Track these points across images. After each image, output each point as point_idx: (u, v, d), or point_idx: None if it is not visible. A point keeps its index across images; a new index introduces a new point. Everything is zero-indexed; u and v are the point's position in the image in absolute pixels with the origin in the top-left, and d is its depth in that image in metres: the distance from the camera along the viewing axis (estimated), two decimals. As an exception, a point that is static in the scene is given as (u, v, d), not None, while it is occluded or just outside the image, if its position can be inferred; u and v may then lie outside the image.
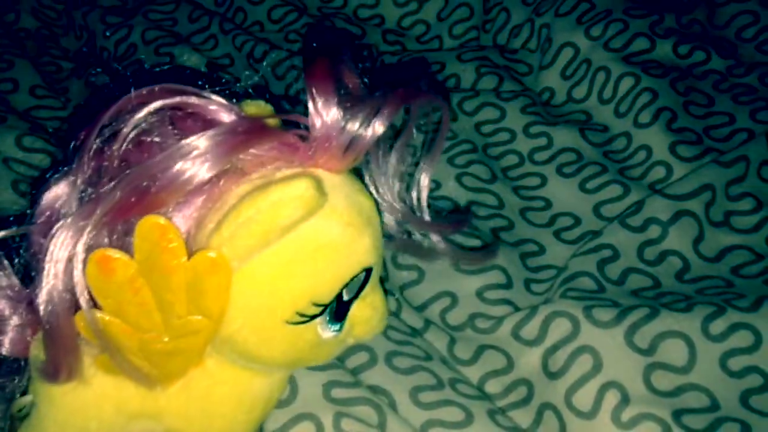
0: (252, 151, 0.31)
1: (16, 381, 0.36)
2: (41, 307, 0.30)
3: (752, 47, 0.67)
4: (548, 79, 0.67)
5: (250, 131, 0.31)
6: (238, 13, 0.74)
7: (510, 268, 0.53)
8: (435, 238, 0.41)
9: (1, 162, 0.55)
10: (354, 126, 0.32)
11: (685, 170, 0.57)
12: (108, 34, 0.69)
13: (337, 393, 0.44)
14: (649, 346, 0.45)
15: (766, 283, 0.49)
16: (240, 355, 0.34)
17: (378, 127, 0.33)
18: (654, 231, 0.52)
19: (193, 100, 0.32)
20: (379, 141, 0.35)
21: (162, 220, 0.29)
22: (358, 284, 0.34)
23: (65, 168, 0.33)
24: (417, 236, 0.42)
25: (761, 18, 0.68)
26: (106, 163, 0.31)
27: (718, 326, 0.45)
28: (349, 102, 0.33)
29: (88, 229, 0.29)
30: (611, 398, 0.44)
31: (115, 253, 0.29)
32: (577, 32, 0.67)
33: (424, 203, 0.40)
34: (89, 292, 0.30)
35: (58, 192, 0.32)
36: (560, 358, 0.46)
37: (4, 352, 0.34)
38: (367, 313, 0.36)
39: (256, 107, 0.36)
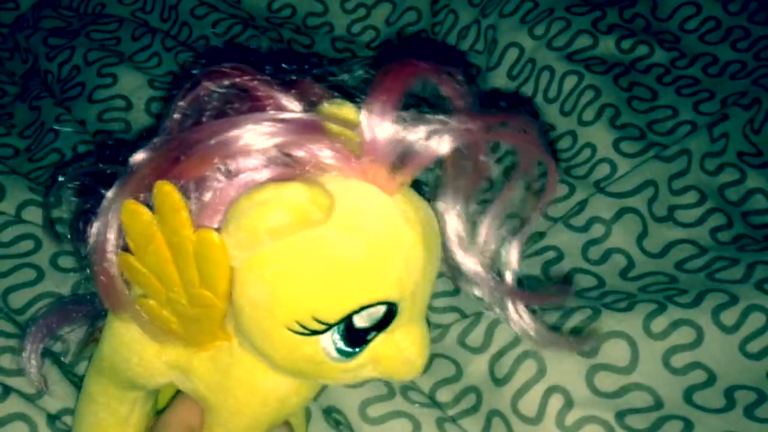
0: (304, 151, 0.30)
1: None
2: (89, 242, 0.32)
3: (695, 38, 0.67)
4: (495, 80, 0.67)
5: (300, 127, 0.30)
6: (183, 28, 0.74)
7: (457, 274, 0.53)
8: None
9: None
10: (407, 140, 0.29)
11: (629, 166, 0.57)
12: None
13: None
14: (591, 348, 0.45)
15: (709, 277, 0.50)
16: (250, 345, 0.33)
17: (438, 146, 0.29)
18: (597, 230, 0.52)
19: (256, 83, 0.32)
20: (463, 185, 0.32)
21: (171, 187, 0.29)
22: (377, 316, 0.31)
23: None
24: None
25: (703, 9, 0.68)
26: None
27: (659, 324, 0.46)
28: (414, 116, 0.30)
29: (130, 183, 0.31)
30: (555, 402, 0.44)
31: (141, 207, 0.30)
32: (521, 32, 0.67)
33: (510, 281, 0.34)
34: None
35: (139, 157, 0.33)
36: (505, 364, 0.46)
37: None
38: (391, 352, 0.32)
39: (339, 107, 0.34)
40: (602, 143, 0.59)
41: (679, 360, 0.45)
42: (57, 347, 0.47)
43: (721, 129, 0.57)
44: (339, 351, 0.31)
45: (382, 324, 0.31)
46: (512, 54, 0.67)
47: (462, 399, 0.47)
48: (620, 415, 0.43)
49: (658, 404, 0.44)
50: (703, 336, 0.45)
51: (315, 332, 0.31)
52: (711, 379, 0.45)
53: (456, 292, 0.52)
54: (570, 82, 0.63)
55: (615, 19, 0.67)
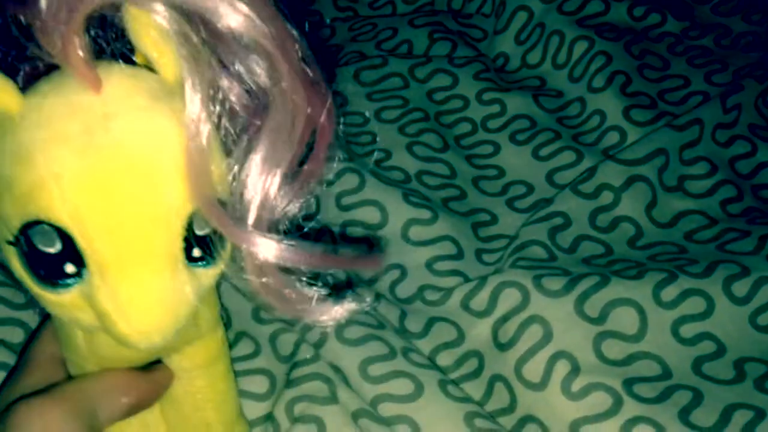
0: None
1: None
2: None
3: (708, 9, 0.66)
4: (502, 45, 0.65)
5: None
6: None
7: (461, 238, 0.51)
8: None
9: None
10: None
11: (638, 135, 0.55)
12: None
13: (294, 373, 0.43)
14: (599, 315, 0.44)
15: (719, 248, 0.48)
16: None
17: None
18: (606, 197, 0.51)
19: None
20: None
21: None
22: (55, 244, 0.26)
23: None
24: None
25: (717, -21, 0.66)
26: None
27: (669, 293, 0.44)
28: None
29: None
30: (561, 368, 0.43)
31: None
32: (531, -5, 0.65)
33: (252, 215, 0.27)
34: None
35: None
36: (510, 329, 0.45)
37: None
38: (92, 301, 0.27)
39: None
40: (612, 111, 0.57)
41: (688, 330, 0.44)
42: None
43: (734, 100, 0.56)
44: (31, 275, 0.27)
45: (70, 257, 0.26)
46: (521, 18, 0.65)
47: (463, 363, 0.46)
48: (628, 383, 0.42)
49: (667, 373, 0.43)
50: (714, 307, 0.44)
51: (9, 242, 0.27)
52: (720, 350, 0.44)
53: (459, 255, 0.50)
54: (580, 47, 0.61)
55: (627, -14, 0.65)
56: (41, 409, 0.30)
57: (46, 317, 0.38)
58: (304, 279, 0.28)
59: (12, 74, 0.28)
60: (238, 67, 0.27)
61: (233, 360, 0.46)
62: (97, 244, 0.26)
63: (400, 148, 0.56)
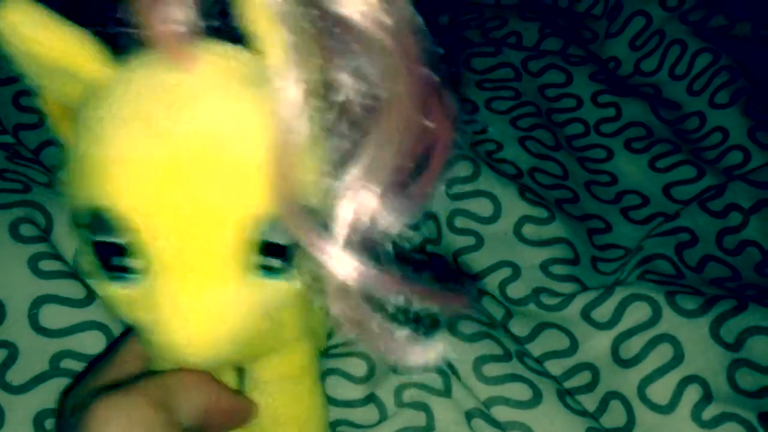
0: None
1: None
2: None
3: (832, 37, 0.63)
4: (615, 48, 0.63)
5: None
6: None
7: (576, 243, 0.48)
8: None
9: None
10: None
11: (764, 157, 0.53)
12: None
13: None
14: (735, 341, 0.41)
15: None
16: None
17: None
18: (734, 218, 0.49)
19: None
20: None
21: None
22: (114, 233, 0.23)
23: None
24: None
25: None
26: None
27: (808, 327, 0.42)
28: None
29: None
30: (693, 393, 0.40)
31: None
32: (651, 1, 0.62)
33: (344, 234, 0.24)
34: None
35: None
36: (635, 345, 0.42)
37: None
38: (154, 310, 0.24)
39: None
40: (736, 129, 0.55)
41: (824, 368, 0.42)
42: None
43: None
44: (95, 263, 0.25)
45: (135, 251, 0.24)
46: (638, 23, 0.62)
47: (574, 375, 0.44)
48: (763, 418, 0.39)
49: (802, 412, 0.40)
50: None
51: (77, 224, 0.25)
52: None
53: (575, 260, 0.48)
54: (703, 60, 0.58)
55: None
56: (123, 402, 0.28)
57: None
58: (392, 313, 0.25)
59: (114, 44, 0.25)
60: (351, 64, 0.23)
61: (331, 345, 0.44)
62: (161, 242, 0.23)
63: (512, 141, 0.54)
